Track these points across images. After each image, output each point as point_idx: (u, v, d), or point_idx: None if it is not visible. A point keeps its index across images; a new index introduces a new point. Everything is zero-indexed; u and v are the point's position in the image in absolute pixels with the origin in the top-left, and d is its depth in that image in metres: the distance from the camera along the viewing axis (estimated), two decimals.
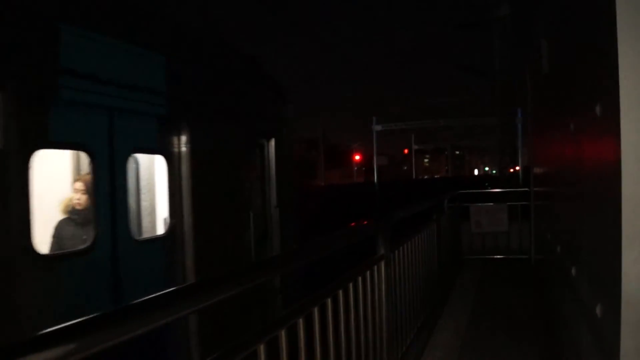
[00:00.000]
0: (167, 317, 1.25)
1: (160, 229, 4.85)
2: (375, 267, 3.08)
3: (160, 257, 4.56)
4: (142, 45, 4.41)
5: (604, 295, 2.20)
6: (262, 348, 1.67)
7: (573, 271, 3.14)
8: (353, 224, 3.26)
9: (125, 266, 4.00)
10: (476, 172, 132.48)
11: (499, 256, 9.20)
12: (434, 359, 4.38)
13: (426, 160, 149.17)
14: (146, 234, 4.88)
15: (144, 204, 4.97)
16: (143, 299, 1.22)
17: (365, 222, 3.32)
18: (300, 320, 1.94)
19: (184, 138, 4.73)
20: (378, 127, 42.46)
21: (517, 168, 26.88)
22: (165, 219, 4.74)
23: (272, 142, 6.51)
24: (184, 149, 4.73)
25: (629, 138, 1.85)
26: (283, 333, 1.80)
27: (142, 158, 4.89)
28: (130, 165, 4.43)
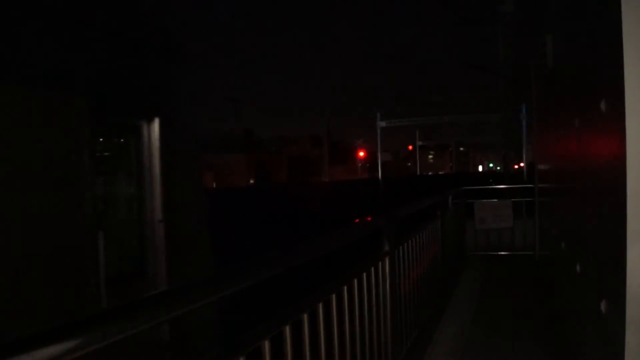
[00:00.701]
0: None
1: None
2: (380, 263, 3.09)
3: None
4: None
5: (608, 291, 2.20)
6: (266, 344, 1.68)
7: (577, 267, 3.14)
8: (357, 220, 3.27)
9: None
10: (480, 168, 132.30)
11: (503, 252, 9.19)
12: (438, 355, 4.38)
13: (430, 156, 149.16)
14: None
15: None
16: None
17: (370, 219, 3.32)
18: (305, 316, 1.95)
19: None
20: (382, 124, 42.40)
21: (522, 164, 26.82)
22: None
23: (156, 125, 4.37)
24: None
25: (633, 134, 1.84)
26: (287, 329, 1.81)
27: None
28: None
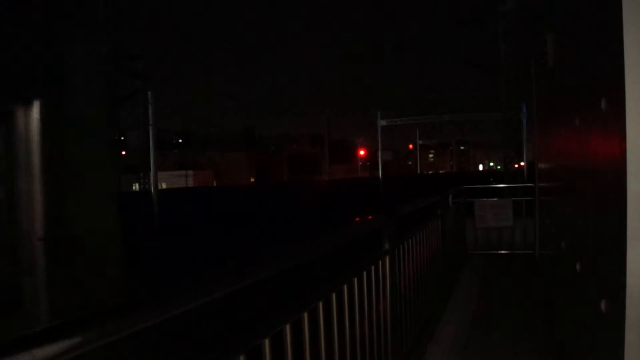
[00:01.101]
0: None
1: None
2: (380, 262, 3.09)
3: None
4: None
5: (608, 291, 2.20)
6: (266, 342, 1.68)
7: (577, 266, 3.14)
8: (357, 219, 3.27)
9: None
10: (481, 167, 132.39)
11: (503, 251, 9.20)
12: (438, 354, 4.38)
13: (431, 155, 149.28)
14: None
15: None
16: None
17: (370, 217, 3.32)
18: (305, 315, 1.95)
19: None
20: (383, 122, 42.36)
21: (522, 163, 26.81)
22: None
23: (35, 111, 3.10)
24: None
25: (634, 133, 1.84)
26: (288, 328, 1.81)
27: None
28: None
